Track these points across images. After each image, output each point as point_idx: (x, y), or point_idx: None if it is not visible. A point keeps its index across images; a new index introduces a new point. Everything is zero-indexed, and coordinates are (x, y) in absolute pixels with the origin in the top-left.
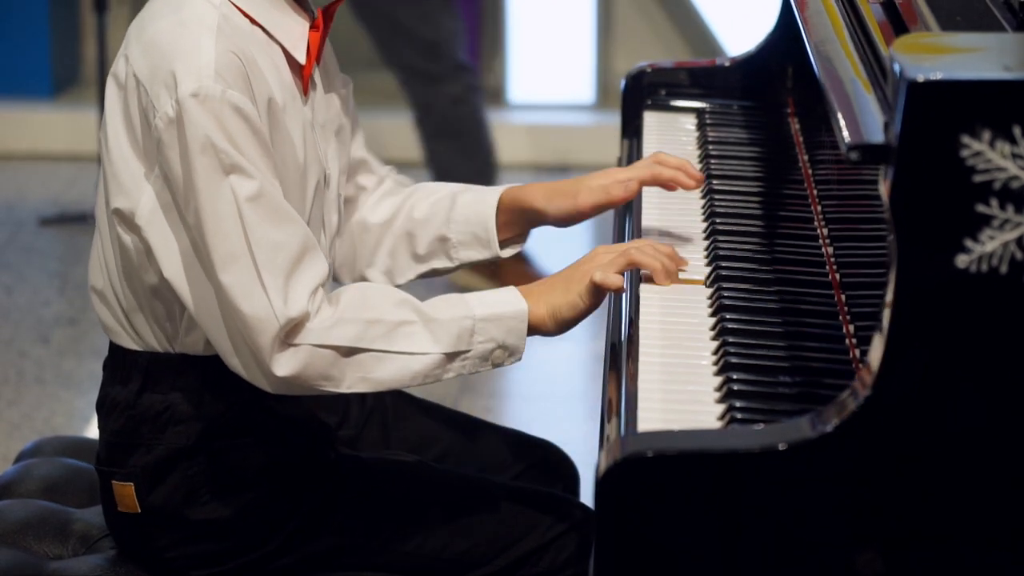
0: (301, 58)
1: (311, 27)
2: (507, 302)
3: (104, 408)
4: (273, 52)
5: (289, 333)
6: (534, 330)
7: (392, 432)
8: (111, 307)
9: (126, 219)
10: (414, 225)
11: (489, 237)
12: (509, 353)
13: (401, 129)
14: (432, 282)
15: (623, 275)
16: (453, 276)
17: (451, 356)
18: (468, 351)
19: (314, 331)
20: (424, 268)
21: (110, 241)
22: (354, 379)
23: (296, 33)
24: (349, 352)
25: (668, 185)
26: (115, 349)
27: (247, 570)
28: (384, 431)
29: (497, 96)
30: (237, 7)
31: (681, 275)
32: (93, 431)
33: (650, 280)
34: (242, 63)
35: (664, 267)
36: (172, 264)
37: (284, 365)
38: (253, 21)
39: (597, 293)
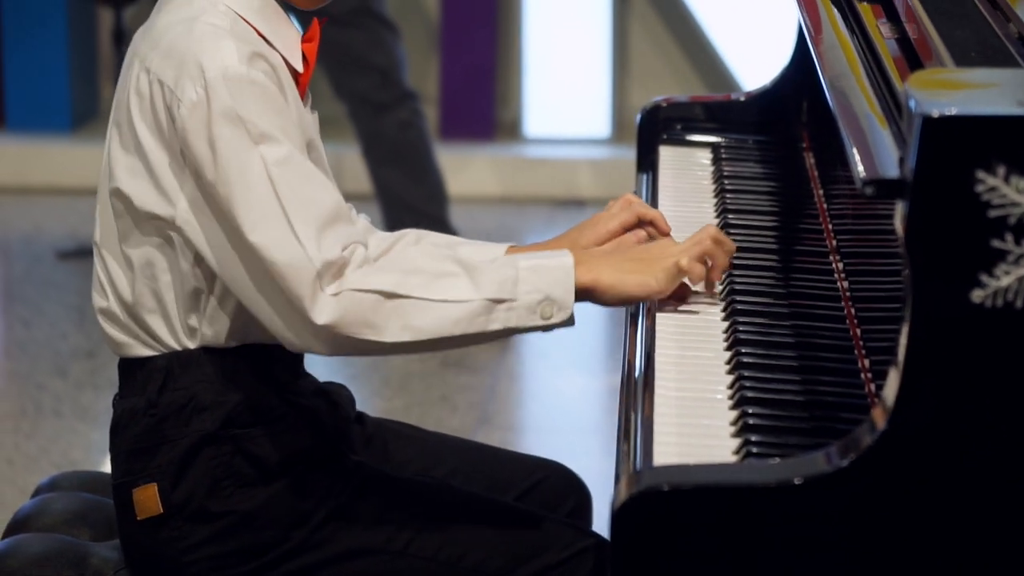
0: (299, 66)
1: (304, 38)
2: (553, 255)
3: (121, 423)
4: (276, 59)
5: (327, 279)
6: (587, 293)
7: (394, 457)
8: (120, 321)
9: (162, 208)
10: None
11: None
12: (558, 308)
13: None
14: None
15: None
16: None
17: (495, 303)
18: (513, 300)
19: (352, 278)
20: None
21: (120, 252)
22: (396, 327)
23: (291, 43)
24: (389, 297)
25: (650, 223)
26: (129, 365)
27: (264, 572)
28: (386, 456)
29: (513, 130)
30: (241, 17)
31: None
32: (110, 464)
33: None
34: (265, 58)
35: (726, 266)
36: (214, 254)
37: (324, 312)
38: (256, 31)
39: (676, 278)
